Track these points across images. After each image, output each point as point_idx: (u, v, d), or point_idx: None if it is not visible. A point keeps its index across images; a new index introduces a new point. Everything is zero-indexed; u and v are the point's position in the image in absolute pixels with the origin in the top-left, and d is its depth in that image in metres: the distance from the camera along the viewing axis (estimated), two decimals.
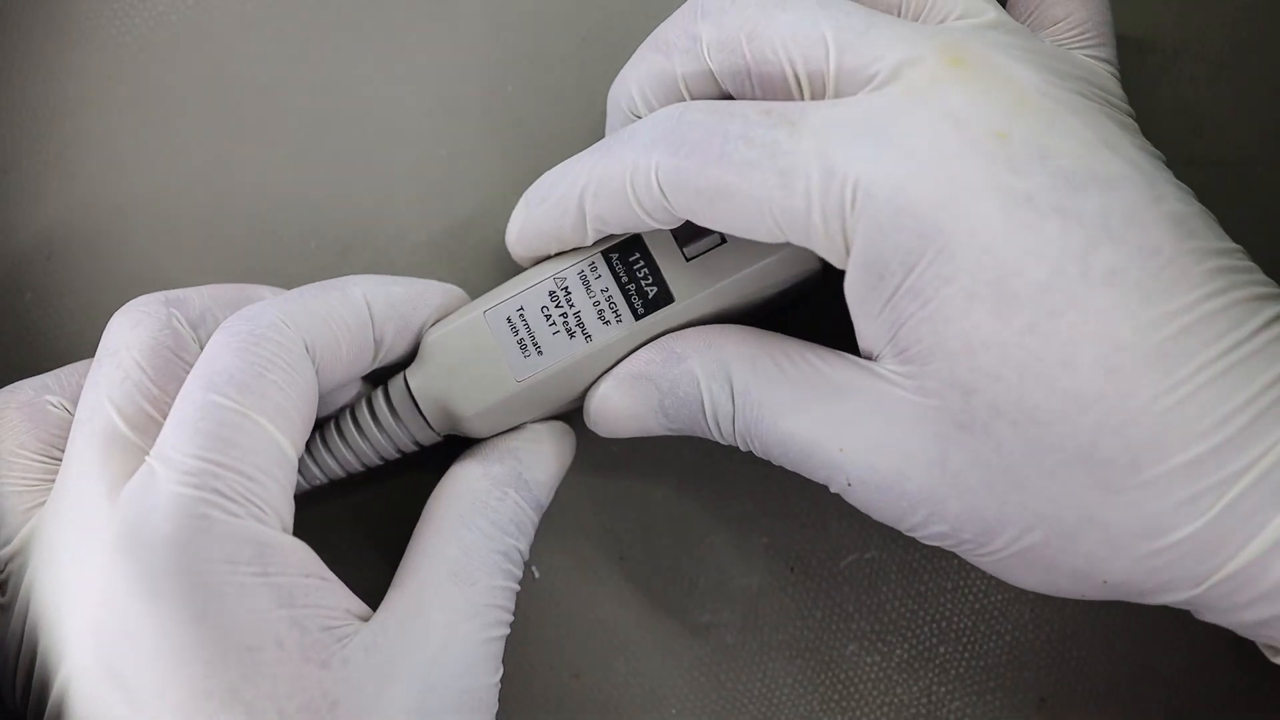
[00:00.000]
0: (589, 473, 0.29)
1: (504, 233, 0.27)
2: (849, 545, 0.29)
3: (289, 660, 0.22)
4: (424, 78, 0.30)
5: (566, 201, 0.25)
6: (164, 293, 0.26)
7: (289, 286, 0.29)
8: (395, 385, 0.26)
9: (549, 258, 0.27)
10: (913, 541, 0.29)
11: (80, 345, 0.30)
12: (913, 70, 0.23)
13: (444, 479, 0.26)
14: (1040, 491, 0.22)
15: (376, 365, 0.27)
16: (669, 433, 0.26)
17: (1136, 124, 0.25)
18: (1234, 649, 0.28)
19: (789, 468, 0.25)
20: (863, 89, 0.23)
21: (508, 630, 0.25)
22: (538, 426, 0.27)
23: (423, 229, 0.30)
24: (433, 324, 0.27)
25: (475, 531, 0.25)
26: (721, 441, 0.26)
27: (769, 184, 0.23)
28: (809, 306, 0.27)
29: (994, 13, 0.25)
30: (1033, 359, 0.21)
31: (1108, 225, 0.21)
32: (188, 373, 0.24)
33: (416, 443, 0.27)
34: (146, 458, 0.23)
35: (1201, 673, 0.28)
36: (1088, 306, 0.21)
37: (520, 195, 0.29)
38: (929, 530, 0.23)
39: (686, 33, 0.25)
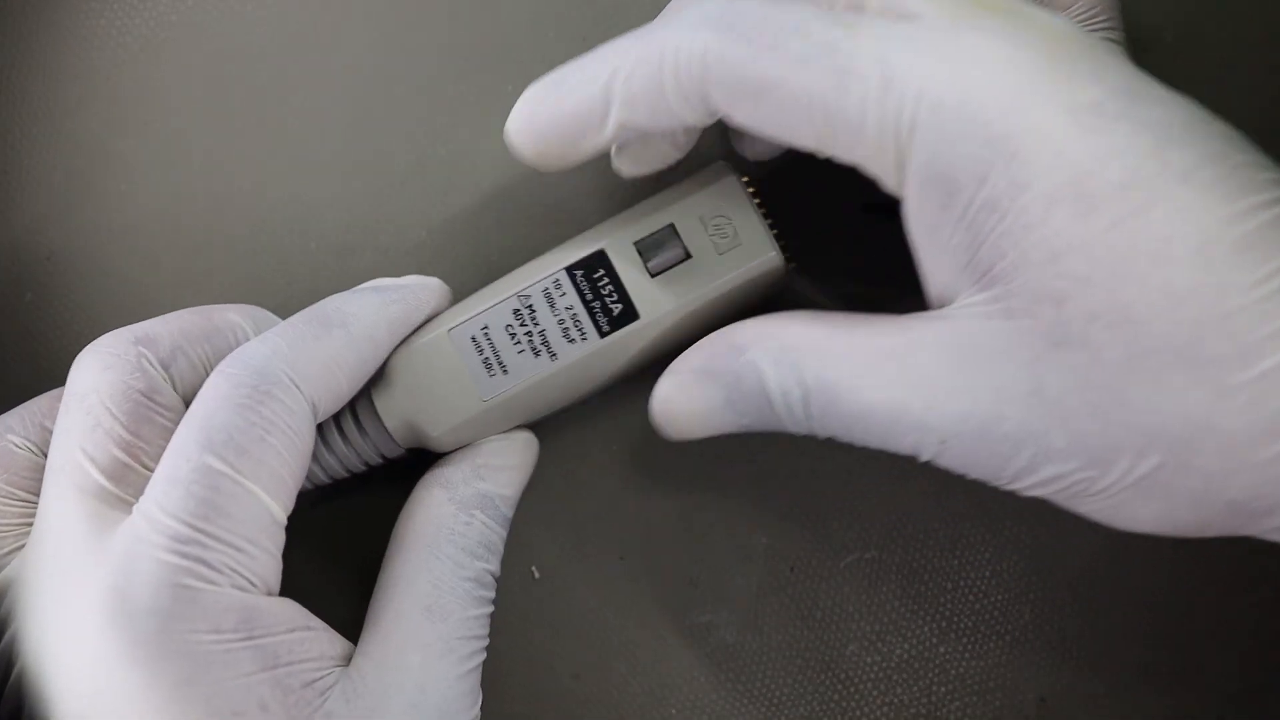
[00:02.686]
0: (589, 472, 0.29)
1: (504, 230, 0.27)
2: (849, 545, 0.29)
3: None
4: (423, 77, 0.30)
5: (593, 83, 0.24)
6: (131, 330, 0.25)
7: (289, 285, 0.29)
8: (362, 404, 0.26)
9: (507, 278, 0.26)
10: (913, 541, 0.29)
11: (80, 346, 0.29)
12: (952, 6, 0.22)
13: (410, 504, 0.26)
14: (1147, 403, 0.20)
15: None
16: (742, 429, 0.25)
17: None
18: (1234, 650, 0.28)
19: (873, 445, 0.23)
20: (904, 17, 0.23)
21: (484, 656, 0.25)
22: (501, 442, 0.27)
23: (422, 229, 0.30)
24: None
25: (445, 560, 0.25)
26: (796, 431, 0.24)
27: (824, 83, 0.21)
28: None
29: None
30: (1120, 257, 0.20)
31: (1171, 132, 0.21)
32: (161, 416, 0.24)
33: (382, 456, 0.27)
34: (134, 508, 0.23)
35: (1201, 674, 0.28)
36: (1171, 201, 0.20)
37: (524, 195, 0.29)
38: (1036, 475, 0.22)
39: None
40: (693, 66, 0.22)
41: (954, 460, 0.23)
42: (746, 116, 0.23)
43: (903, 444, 0.23)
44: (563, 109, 0.24)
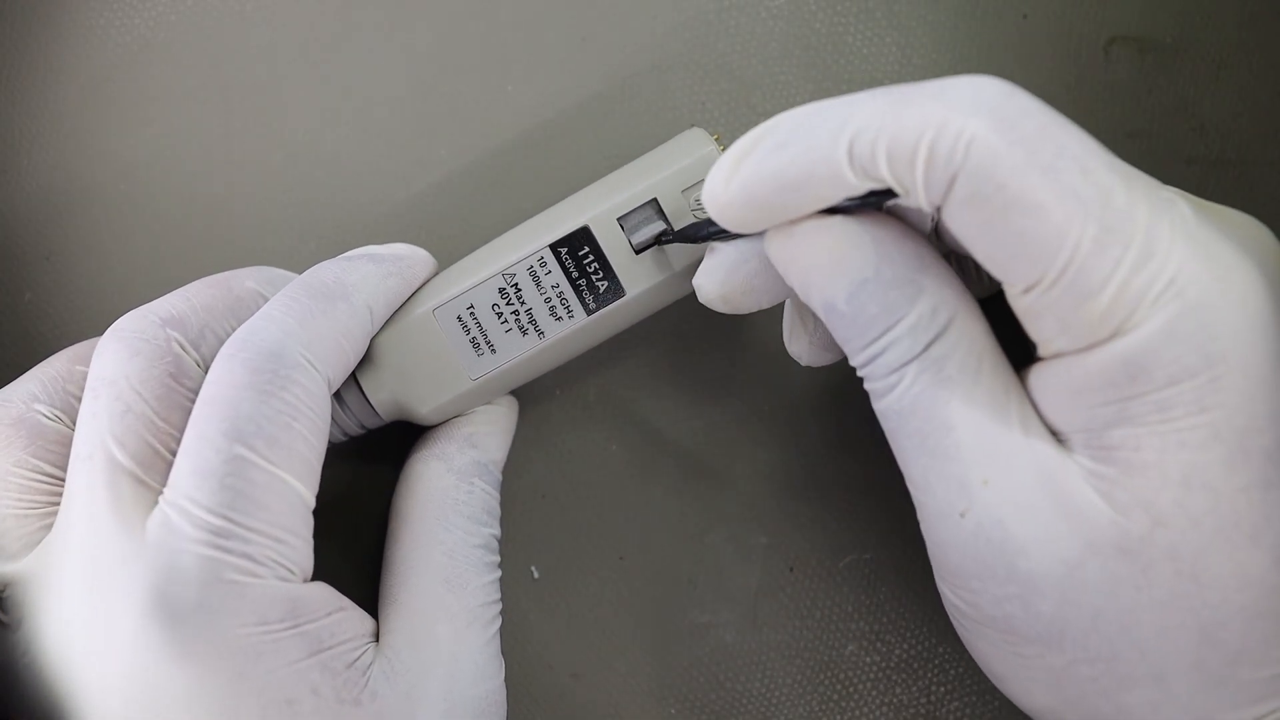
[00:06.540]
0: (589, 472, 0.29)
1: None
2: (849, 545, 0.29)
3: (325, 707, 0.22)
4: (423, 77, 0.30)
5: (829, 143, 0.20)
6: (156, 310, 0.24)
7: None
8: (346, 382, 0.26)
9: (488, 248, 0.27)
10: (912, 541, 0.29)
11: None
12: (1200, 203, 0.22)
13: (408, 480, 0.27)
14: (1142, 642, 0.20)
15: None
16: (821, 316, 0.22)
17: None
18: None
19: (899, 445, 0.22)
20: None
21: (501, 620, 0.26)
22: (488, 410, 0.27)
23: (422, 229, 0.30)
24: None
25: (454, 531, 0.26)
26: (858, 370, 0.22)
27: (1086, 232, 0.19)
28: None
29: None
30: (1233, 520, 0.20)
31: None
32: (190, 400, 0.23)
33: (362, 426, 0.27)
34: (161, 501, 0.22)
35: None
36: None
37: (524, 196, 0.29)
38: (998, 610, 0.21)
39: None
40: (954, 154, 0.19)
41: (948, 538, 0.22)
42: (969, 223, 0.20)
43: (935, 481, 0.22)
44: (791, 174, 0.21)
